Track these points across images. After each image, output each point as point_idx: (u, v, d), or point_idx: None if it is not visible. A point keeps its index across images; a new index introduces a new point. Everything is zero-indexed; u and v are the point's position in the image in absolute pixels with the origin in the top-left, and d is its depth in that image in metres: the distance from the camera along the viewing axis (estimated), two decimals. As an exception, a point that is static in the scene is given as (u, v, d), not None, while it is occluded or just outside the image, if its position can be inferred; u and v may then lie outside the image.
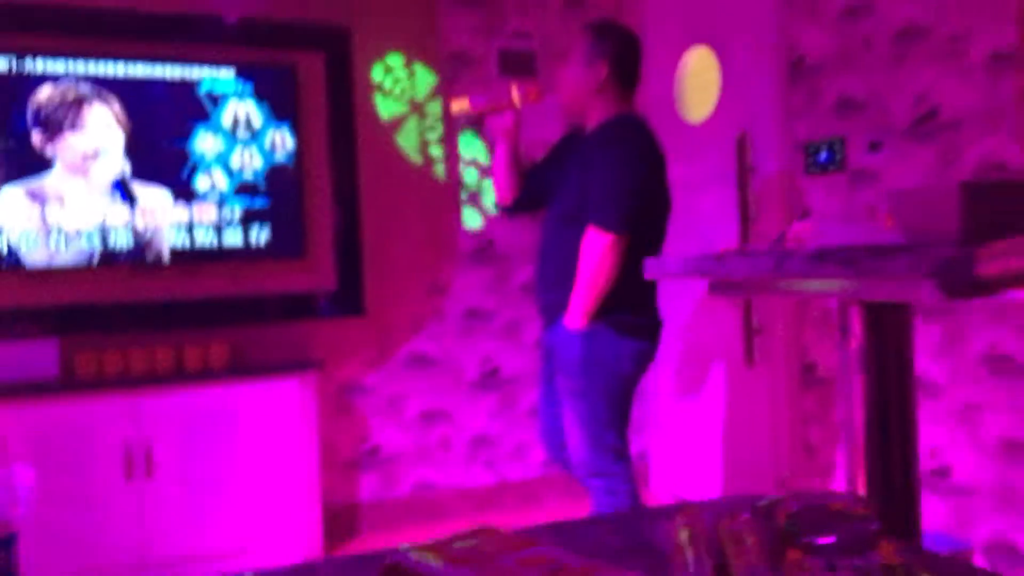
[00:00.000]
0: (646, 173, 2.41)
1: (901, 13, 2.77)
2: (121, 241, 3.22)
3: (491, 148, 2.51)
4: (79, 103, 3.16)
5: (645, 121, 2.52)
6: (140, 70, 3.25)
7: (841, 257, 1.17)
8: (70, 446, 2.93)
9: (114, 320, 3.28)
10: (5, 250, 3.05)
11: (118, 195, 3.20)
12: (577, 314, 2.37)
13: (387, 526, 3.73)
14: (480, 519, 3.36)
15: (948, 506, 2.64)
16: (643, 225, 2.40)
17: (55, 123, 3.12)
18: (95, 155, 3.17)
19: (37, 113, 3.11)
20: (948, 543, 2.50)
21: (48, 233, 3.10)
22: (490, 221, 3.94)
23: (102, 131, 3.18)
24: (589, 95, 2.48)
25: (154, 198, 3.27)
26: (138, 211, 3.24)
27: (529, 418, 3.98)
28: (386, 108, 3.76)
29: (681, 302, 3.77)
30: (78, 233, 3.15)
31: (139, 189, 3.24)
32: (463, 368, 3.91)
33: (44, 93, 3.11)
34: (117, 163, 3.20)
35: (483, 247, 3.95)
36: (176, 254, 3.30)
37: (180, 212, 3.31)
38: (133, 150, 3.23)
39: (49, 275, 3.19)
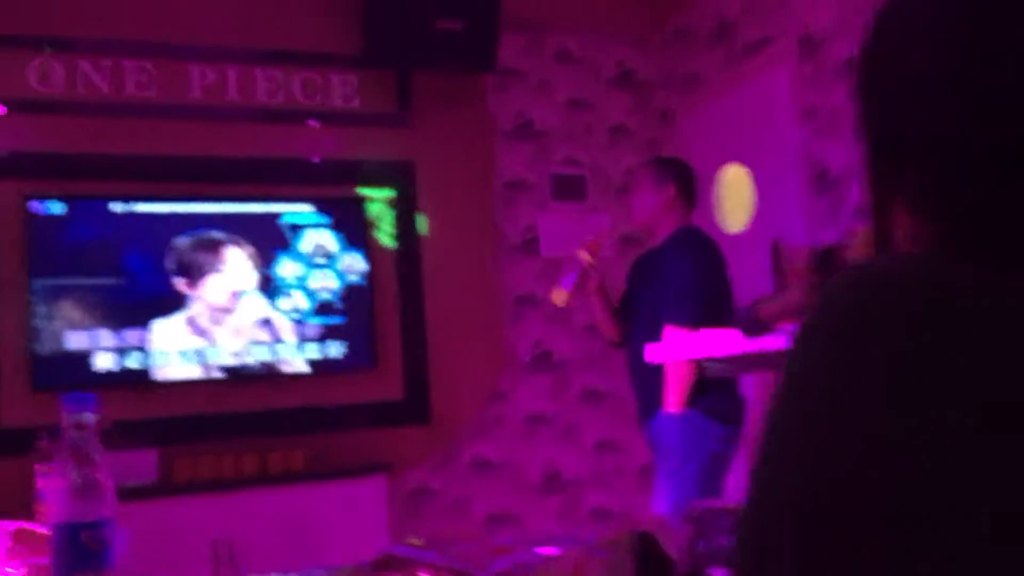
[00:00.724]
0: (712, 273, 2.80)
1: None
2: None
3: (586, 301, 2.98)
4: (216, 247, 3.65)
5: (706, 231, 2.93)
6: (233, 207, 3.72)
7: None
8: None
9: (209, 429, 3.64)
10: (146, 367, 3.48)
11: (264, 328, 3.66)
12: (672, 402, 2.67)
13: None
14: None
15: None
16: (712, 320, 2.68)
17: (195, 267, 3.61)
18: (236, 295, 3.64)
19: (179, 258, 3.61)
20: None
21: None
22: (545, 333, 4.23)
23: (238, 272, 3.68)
24: (660, 214, 2.89)
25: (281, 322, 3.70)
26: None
27: (592, 518, 4.13)
28: (447, 233, 4.14)
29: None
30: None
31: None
32: (526, 471, 4.12)
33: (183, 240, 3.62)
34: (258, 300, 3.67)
35: (542, 355, 4.22)
36: (264, 367, 3.68)
37: (263, 333, 3.70)
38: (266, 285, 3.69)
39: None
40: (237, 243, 3.67)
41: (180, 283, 3.58)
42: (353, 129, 3.97)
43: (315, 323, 3.77)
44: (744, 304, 1.15)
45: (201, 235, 3.64)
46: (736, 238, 3.99)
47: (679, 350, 2.31)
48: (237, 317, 3.64)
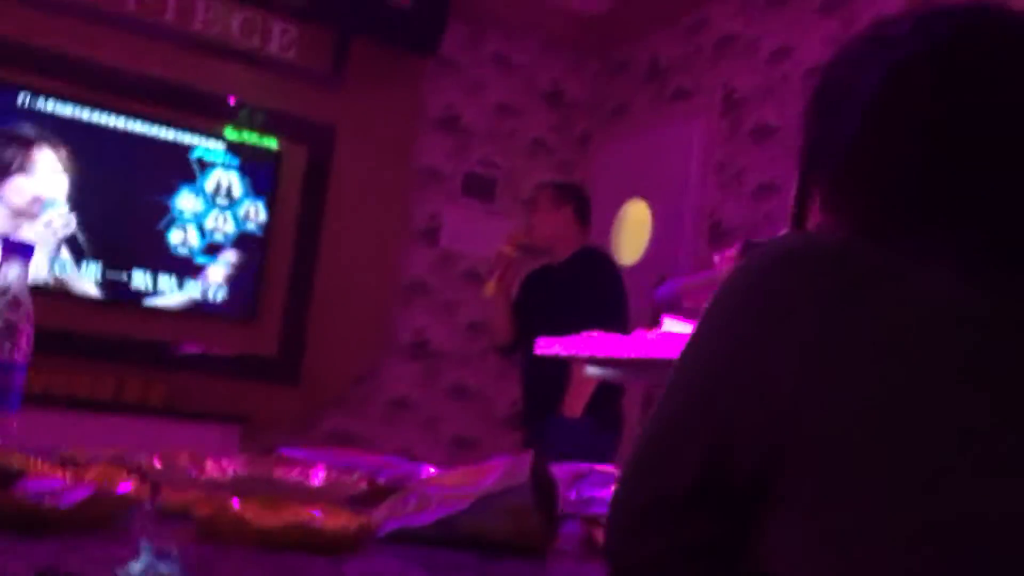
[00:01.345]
0: (620, 290, 2.98)
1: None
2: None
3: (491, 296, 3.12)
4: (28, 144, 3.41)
5: (607, 250, 3.08)
6: (141, 127, 3.63)
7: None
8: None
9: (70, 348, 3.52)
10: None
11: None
12: (573, 407, 2.84)
13: None
14: None
15: None
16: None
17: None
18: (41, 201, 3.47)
19: None
20: None
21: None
22: (428, 321, 4.30)
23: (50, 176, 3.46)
24: (560, 233, 3.07)
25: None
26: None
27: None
28: (354, 204, 4.16)
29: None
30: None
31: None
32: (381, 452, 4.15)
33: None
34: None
35: (420, 343, 4.28)
36: (138, 294, 3.59)
37: (147, 258, 3.62)
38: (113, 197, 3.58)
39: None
40: (50, 143, 3.47)
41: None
42: (282, 79, 3.95)
43: (202, 262, 3.71)
44: (664, 288, 1.25)
45: (9, 129, 3.41)
46: (626, 270, 4.18)
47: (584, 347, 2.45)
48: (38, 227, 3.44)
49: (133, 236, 3.62)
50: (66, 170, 3.48)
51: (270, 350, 3.92)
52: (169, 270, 3.65)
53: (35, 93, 3.45)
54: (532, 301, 3.14)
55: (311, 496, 0.86)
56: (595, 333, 1.92)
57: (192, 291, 3.69)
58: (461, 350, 4.32)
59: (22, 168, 3.39)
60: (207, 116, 3.80)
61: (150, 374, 3.61)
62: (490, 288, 3.10)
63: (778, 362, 0.58)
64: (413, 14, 3.90)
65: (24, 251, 1.04)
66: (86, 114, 3.54)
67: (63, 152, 3.48)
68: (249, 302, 3.80)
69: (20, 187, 3.39)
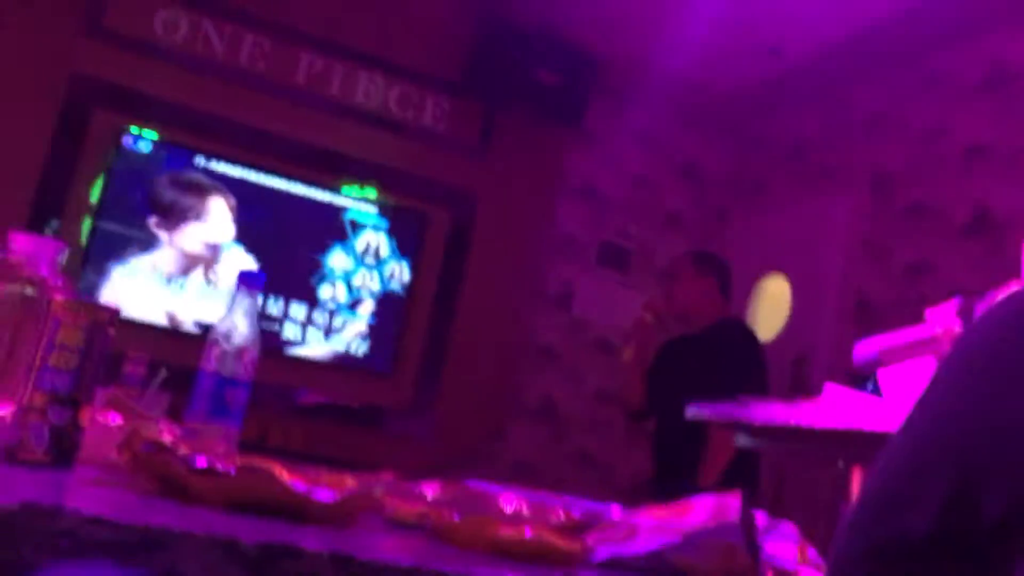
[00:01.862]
0: (761, 365, 2.94)
1: (958, 277, 3.18)
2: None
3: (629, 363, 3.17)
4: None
5: (748, 321, 3.05)
6: (302, 189, 3.87)
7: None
8: None
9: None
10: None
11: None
12: (709, 475, 2.79)
13: None
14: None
15: None
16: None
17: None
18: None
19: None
20: None
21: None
22: (558, 385, 4.32)
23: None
24: (700, 303, 3.06)
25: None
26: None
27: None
28: (490, 268, 4.27)
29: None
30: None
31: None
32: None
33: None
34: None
35: (546, 407, 4.31)
36: (286, 343, 3.78)
37: (299, 310, 3.81)
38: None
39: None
40: (221, 192, 3.73)
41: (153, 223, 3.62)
42: (433, 148, 4.14)
43: (347, 317, 3.88)
44: (863, 348, 1.23)
45: (186, 175, 3.68)
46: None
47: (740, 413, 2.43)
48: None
49: (287, 288, 3.82)
50: (235, 220, 3.74)
51: (404, 404, 4.02)
52: (317, 323, 3.83)
53: (208, 156, 3.74)
54: (669, 369, 3.13)
55: (522, 519, 0.90)
56: (749, 399, 1.91)
57: (336, 344, 3.85)
58: (588, 415, 4.32)
59: (197, 216, 3.67)
60: (361, 180, 4.02)
61: (289, 421, 3.76)
62: (628, 354, 3.12)
63: None
64: (560, 89, 4.04)
65: (255, 281, 1.14)
66: (252, 175, 3.80)
67: (233, 203, 3.74)
68: (389, 355, 3.93)
69: (194, 233, 3.65)
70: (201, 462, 0.72)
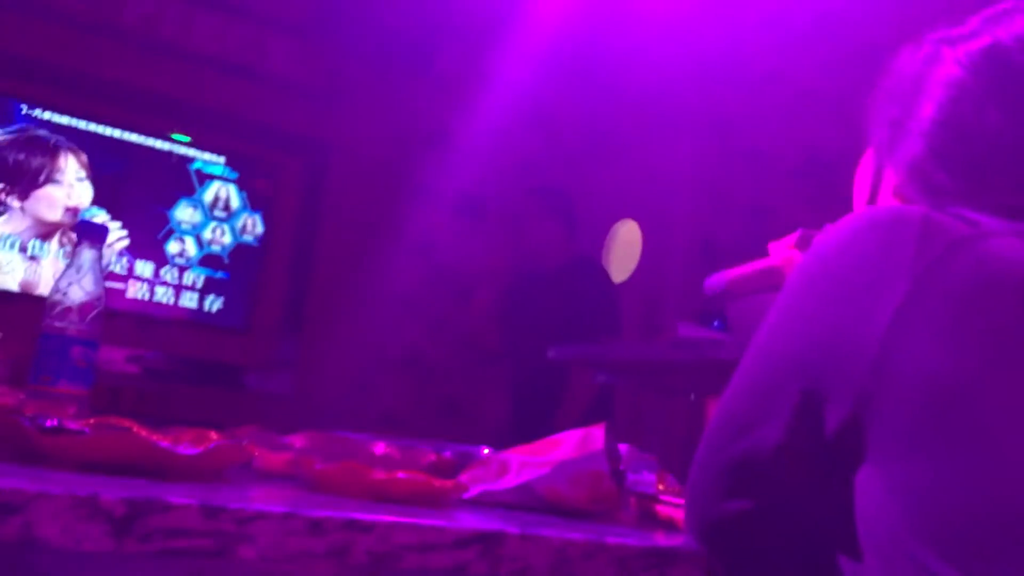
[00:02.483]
0: (615, 304, 3.04)
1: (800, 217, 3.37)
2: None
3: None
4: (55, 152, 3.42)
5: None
6: (137, 139, 3.66)
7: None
8: None
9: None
10: None
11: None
12: (571, 416, 2.82)
13: None
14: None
15: None
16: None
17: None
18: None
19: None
20: None
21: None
22: (421, 335, 4.32)
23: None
24: (547, 241, 3.12)
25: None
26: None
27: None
28: (348, 221, 4.19)
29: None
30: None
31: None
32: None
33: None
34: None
35: (409, 357, 4.30)
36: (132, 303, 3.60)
37: (146, 268, 3.63)
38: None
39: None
40: (73, 151, 3.46)
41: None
42: (280, 95, 3.99)
43: (198, 273, 3.73)
44: (713, 280, 1.29)
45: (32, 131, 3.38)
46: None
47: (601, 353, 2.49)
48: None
49: (133, 246, 3.63)
50: (89, 178, 3.48)
51: (264, 360, 3.93)
52: (166, 280, 3.66)
53: (32, 104, 3.46)
54: (523, 310, 3.17)
55: (393, 463, 0.90)
56: (607, 339, 1.98)
57: (188, 302, 3.70)
58: (453, 364, 4.35)
59: (50, 178, 3.39)
60: (204, 129, 3.83)
61: (142, 383, 3.60)
62: (482, 296, 3.09)
63: (869, 315, 0.62)
64: (410, 33, 3.98)
65: (98, 232, 1.08)
66: (83, 125, 3.55)
67: (85, 160, 3.48)
68: (244, 313, 3.81)
69: (52, 197, 3.37)
70: (52, 423, 0.69)
